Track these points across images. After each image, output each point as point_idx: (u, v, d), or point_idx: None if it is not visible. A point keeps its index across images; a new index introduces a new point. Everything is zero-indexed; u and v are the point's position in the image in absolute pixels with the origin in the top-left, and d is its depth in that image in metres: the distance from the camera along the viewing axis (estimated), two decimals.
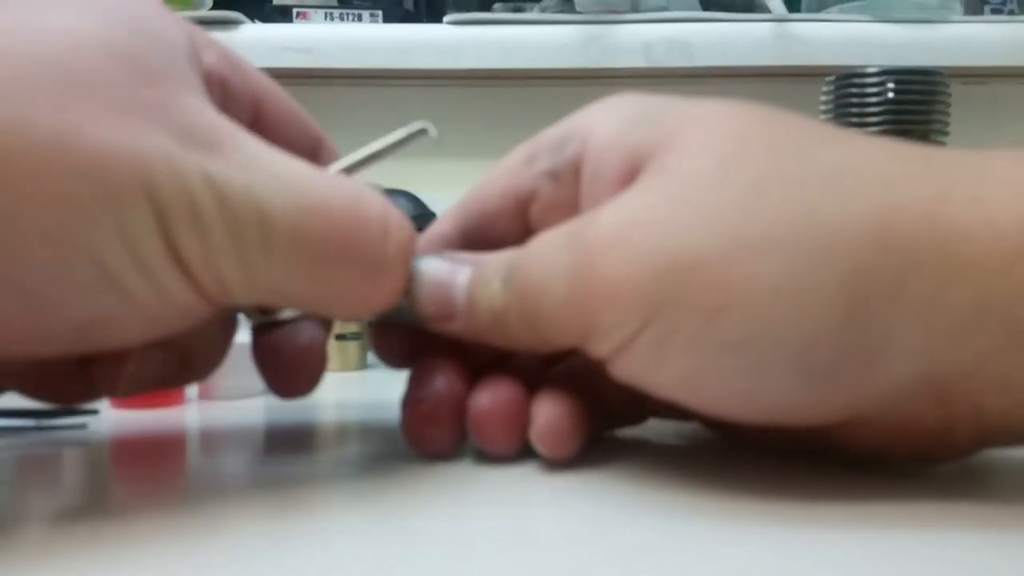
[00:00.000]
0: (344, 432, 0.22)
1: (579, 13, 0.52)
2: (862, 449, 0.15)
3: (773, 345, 0.13)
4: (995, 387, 0.14)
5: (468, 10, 0.55)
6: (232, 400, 0.27)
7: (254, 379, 0.19)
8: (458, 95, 0.57)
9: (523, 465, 0.17)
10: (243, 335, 0.19)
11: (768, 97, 0.16)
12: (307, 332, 0.18)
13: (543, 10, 0.54)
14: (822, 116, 0.33)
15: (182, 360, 0.17)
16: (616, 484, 0.16)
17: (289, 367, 0.18)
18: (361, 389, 0.31)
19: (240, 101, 0.17)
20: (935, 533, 0.13)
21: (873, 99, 0.31)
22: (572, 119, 0.18)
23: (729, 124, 0.15)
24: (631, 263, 0.14)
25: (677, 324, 0.14)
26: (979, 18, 0.55)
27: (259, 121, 0.18)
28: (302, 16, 0.56)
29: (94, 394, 0.17)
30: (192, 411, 0.26)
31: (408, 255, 0.16)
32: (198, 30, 0.16)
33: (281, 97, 0.18)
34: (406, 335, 0.19)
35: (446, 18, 0.54)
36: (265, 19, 0.56)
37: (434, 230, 0.19)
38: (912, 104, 0.31)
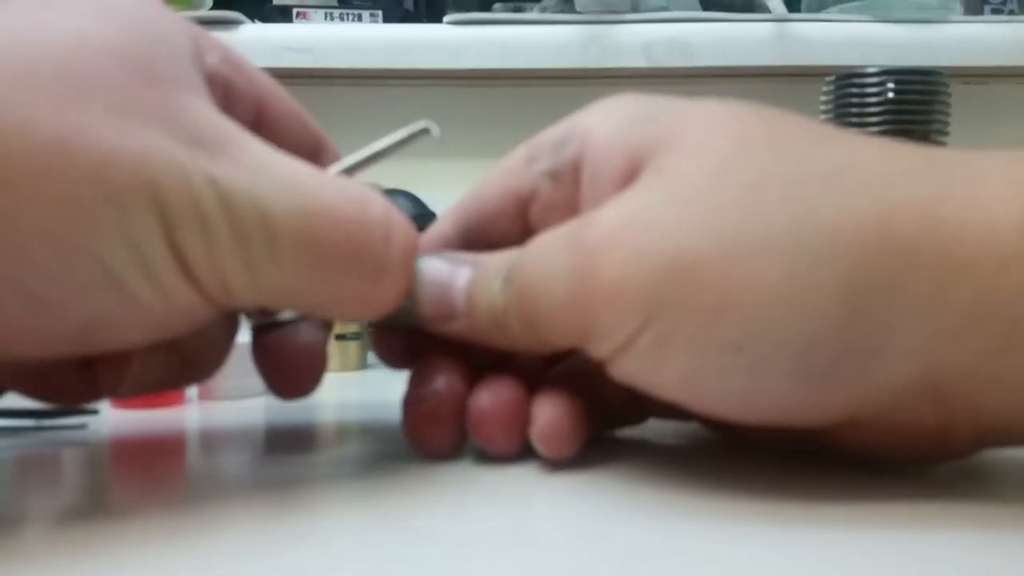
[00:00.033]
0: (344, 432, 0.22)
1: (579, 13, 0.52)
2: (861, 449, 0.15)
3: (773, 345, 0.13)
4: (994, 387, 0.14)
5: (468, 10, 0.55)
6: (232, 400, 0.27)
7: (254, 379, 0.19)
8: (458, 95, 0.57)
9: (523, 465, 0.17)
10: (243, 335, 0.19)
11: (768, 97, 0.16)
12: (308, 333, 0.18)
13: (543, 10, 0.54)
14: (822, 116, 0.33)
15: (185, 361, 0.17)
16: (616, 484, 0.16)
17: (290, 368, 0.18)
18: (361, 389, 0.31)
19: (243, 102, 0.17)
20: (934, 533, 0.13)
21: (873, 99, 0.31)
22: (572, 119, 0.18)
23: (729, 124, 0.15)
24: (631, 263, 0.14)
25: (677, 324, 0.14)
26: (979, 18, 0.55)
27: (261, 122, 0.18)
28: (302, 16, 0.56)
29: (96, 395, 0.17)
30: (192, 411, 0.26)
31: (411, 258, 0.16)
32: (201, 31, 0.16)
33: (283, 98, 0.18)
34: (406, 336, 0.19)
35: (446, 18, 0.54)
36: (265, 19, 0.56)
37: (434, 231, 0.19)
38: (912, 104, 0.31)
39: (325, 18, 0.56)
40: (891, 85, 0.30)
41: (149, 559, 0.12)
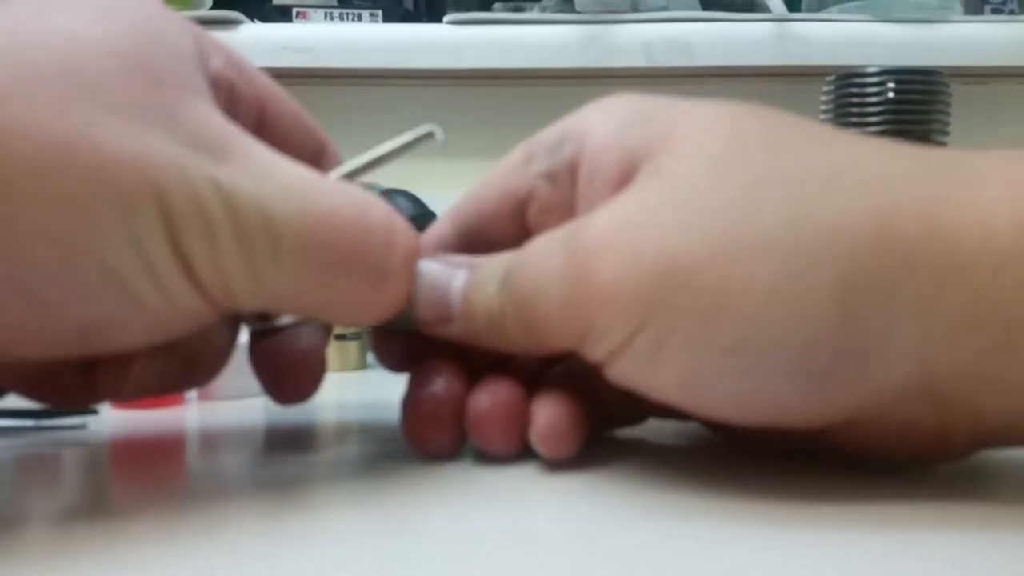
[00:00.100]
0: (344, 432, 0.22)
1: (579, 13, 0.52)
2: (860, 450, 0.15)
3: (770, 346, 0.13)
4: (992, 388, 0.14)
5: (468, 10, 0.55)
6: (231, 400, 0.27)
7: (253, 379, 0.19)
8: (458, 95, 0.57)
9: (522, 465, 0.17)
10: (244, 335, 0.19)
11: (768, 97, 0.16)
12: (307, 338, 0.18)
13: (543, 10, 0.54)
14: (822, 116, 0.33)
15: (186, 364, 0.17)
16: (615, 484, 0.16)
17: (290, 372, 0.18)
18: (361, 389, 0.31)
19: (245, 105, 0.17)
20: (934, 534, 0.13)
21: (873, 99, 0.31)
22: (569, 120, 0.18)
23: (726, 125, 0.15)
24: (626, 266, 0.14)
25: (673, 326, 0.14)
26: (979, 18, 0.55)
27: (263, 125, 0.18)
28: (302, 16, 0.56)
29: (97, 397, 0.17)
30: (192, 411, 0.26)
31: (412, 263, 0.16)
32: (205, 34, 0.16)
33: (285, 101, 0.18)
34: (405, 339, 0.19)
35: (446, 18, 0.54)
36: (265, 19, 0.56)
37: (432, 232, 0.19)
38: (912, 104, 0.31)
39: (325, 18, 0.56)
40: (891, 85, 0.30)
41: (149, 559, 0.12)
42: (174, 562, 0.12)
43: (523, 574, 0.11)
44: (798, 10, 0.55)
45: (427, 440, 0.17)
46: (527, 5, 0.55)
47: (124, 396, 0.16)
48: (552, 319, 0.15)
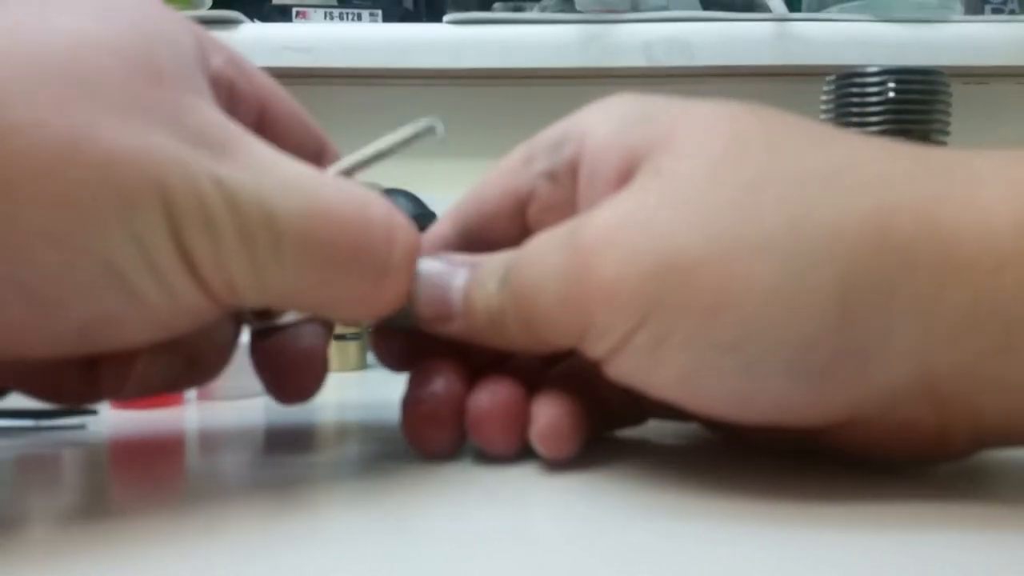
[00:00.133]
0: (344, 432, 0.22)
1: (579, 12, 0.52)
2: (860, 450, 0.15)
3: (770, 345, 0.13)
4: (992, 387, 0.14)
5: (468, 9, 0.54)
6: (231, 400, 0.27)
7: (253, 379, 0.19)
8: (458, 95, 0.57)
9: (522, 465, 0.17)
10: (244, 335, 0.19)
11: (768, 97, 0.16)
12: (309, 336, 0.18)
13: (543, 9, 0.54)
14: (823, 116, 0.33)
15: (188, 362, 0.17)
16: (615, 485, 0.16)
17: (292, 372, 0.18)
18: (361, 389, 0.31)
19: (246, 104, 0.17)
20: (934, 534, 0.13)
21: (874, 99, 0.31)
22: (570, 120, 0.18)
23: (726, 124, 0.15)
24: (626, 263, 0.14)
25: (673, 325, 0.14)
26: (980, 18, 0.55)
27: (263, 124, 0.18)
28: (301, 15, 0.56)
29: (99, 396, 0.17)
30: (191, 411, 0.26)
31: (413, 260, 0.16)
32: (205, 33, 0.16)
33: (286, 101, 0.18)
34: (405, 338, 0.19)
35: (446, 17, 0.54)
36: (264, 18, 0.56)
37: (433, 231, 0.19)
38: (913, 104, 0.31)
39: (324, 17, 0.56)
40: (892, 85, 0.30)
41: (149, 560, 0.12)
42: (174, 562, 0.12)
43: (523, 574, 0.11)
44: (798, 10, 0.55)
45: (427, 440, 0.17)
46: (527, 5, 0.55)
47: (126, 395, 0.16)
48: (552, 316, 0.15)
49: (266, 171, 0.13)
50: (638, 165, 0.15)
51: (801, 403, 0.14)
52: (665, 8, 0.53)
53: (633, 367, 0.14)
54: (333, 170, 0.18)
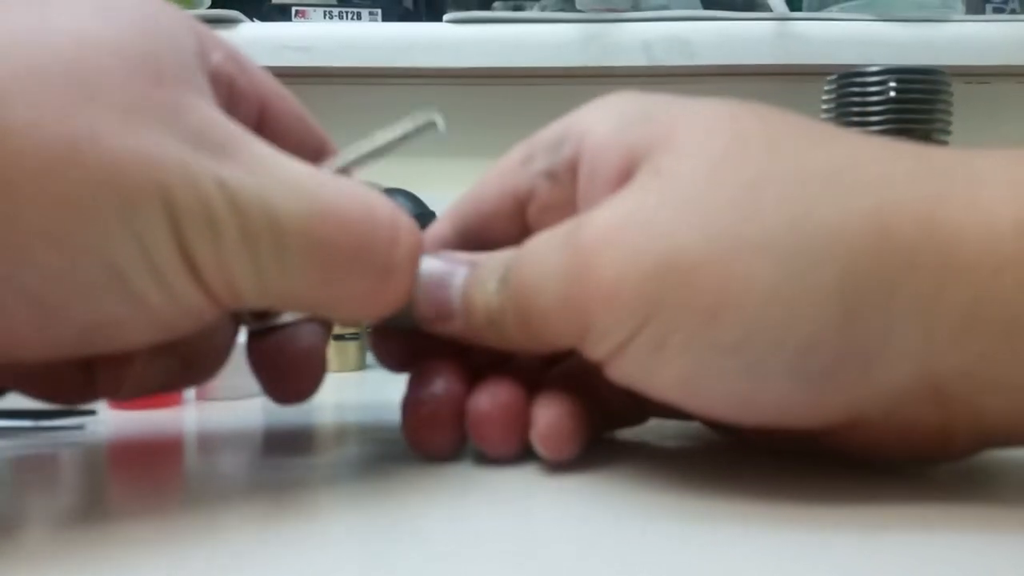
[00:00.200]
0: (343, 433, 0.22)
1: (579, 11, 0.52)
2: (862, 450, 0.15)
3: (770, 346, 0.13)
4: (993, 388, 0.14)
5: (468, 8, 0.54)
6: (230, 400, 0.27)
7: (252, 380, 0.19)
8: (458, 94, 0.57)
9: (523, 467, 0.17)
10: (242, 335, 0.19)
11: (769, 96, 0.16)
12: (307, 336, 0.18)
13: (543, 8, 0.54)
14: (824, 115, 0.33)
15: (185, 363, 0.17)
16: (616, 486, 0.16)
17: (290, 372, 0.18)
18: (360, 390, 0.31)
19: (246, 102, 0.17)
20: (937, 534, 0.13)
21: (875, 98, 0.31)
22: (569, 118, 0.17)
23: (726, 123, 0.15)
24: (626, 264, 0.14)
25: (673, 326, 0.13)
26: (981, 17, 0.55)
27: (264, 123, 0.18)
28: (301, 15, 0.56)
29: (97, 396, 0.17)
30: (190, 412, 0.26)
31: (416, 259, 0.16)
32: (205, 30, 0.16)
33: (286, 99, 0.18)
34: (405, 338, 0.18)
35: (446, 16, 0.53)
36: (264, 18, 0.56)
37: (432, 231, 0.19)
38: (914, 103, 0.30)
39: (324, 17, 0.56)
40: (893, 84, 0.30)
41: (146, 561, 0.12)
42: (172, 564, 0.11)
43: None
44: (799, 9, 0.55)
45: (427, 441, 0.17)
46: (527, 4, 0.55)
47: (124, 395, 0.16)
48: (552, 316, 0.15)
49: (268, 171, 0.13)
50: (638, 164, 0.15)
51: (802, 404, 0.14)
52: (665, 7, 0.53)
53: (634, 368, 0.14)
54: (330, 166, 0.17)
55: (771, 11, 0.52)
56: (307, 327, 0.19)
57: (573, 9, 0.52)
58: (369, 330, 0.20)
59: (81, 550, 0.12)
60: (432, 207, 0.39)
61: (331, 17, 0.56)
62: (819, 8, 0.54)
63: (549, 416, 0.16)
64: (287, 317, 0.18)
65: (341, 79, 0.56)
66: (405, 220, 0.15)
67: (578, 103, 0.18)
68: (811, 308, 0.13)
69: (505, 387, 0.17)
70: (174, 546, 0.12)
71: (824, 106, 0.33)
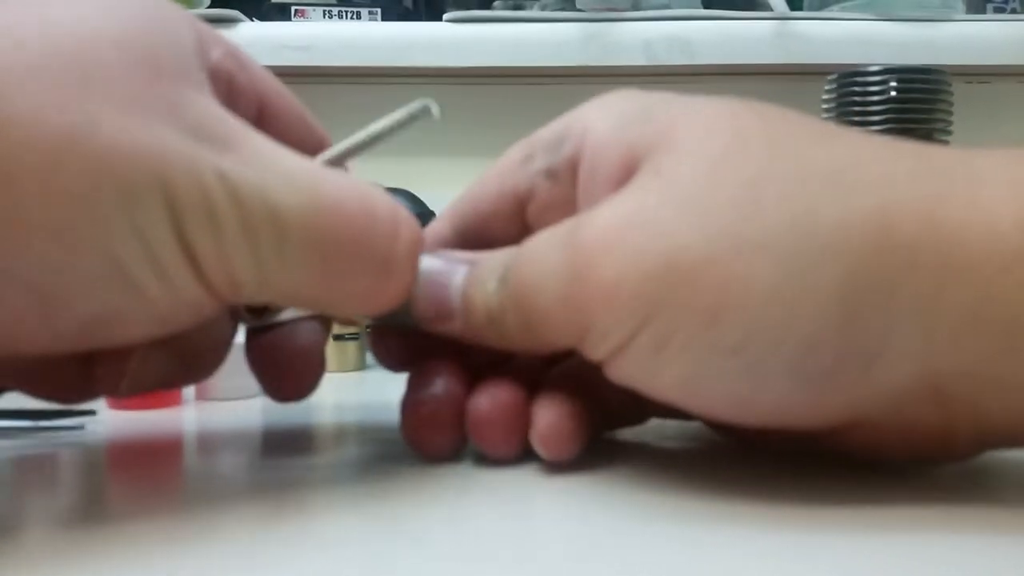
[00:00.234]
0: (342, 434, 0.22)
1: (580, 11, 0.52)
2: (863, 450, 0.15)
3: (771, 346, 0.13)
4: (995, 389, 0.13)
5: (468, 8, 0.54)
6: (229, 400, 0.27)
7: (252, 379, 0.19)
8: (458, 93, 0.57)
9: (523, 467, 0.17)
10: (241, 334, 0.19)
11: (770, 96, 0.16)
12: (305, 334, 0.18)
13: (543, 8, 0.54)
14: (824, 115, 0.33)
15: (184, 360, 0.17)
16: (617, 486, 0.15)
17: (288, 370, 0.18)
18: (359, 390, 0.31)
19: (245, 99, 0.17)
20: (939, 535, 0.13)
21: (876, 98, 0.31)
22: (568, 117, 0.17)
23: (726, 122, 0.15)
24: (627, 264, 0.14)
25: (674, 326, 0.13)
26: (982, 17, 0.54)
27: (263, 119, 0.17)
28: (300, 14, 0.56)
29: (95, 393, 0.17)
30: (189, 412, 0.26)
31: (417, 254, 0.16)
32: (205, 26, 0.16)
33: (286, 96, 0.18)
34: (404, 338, 0.18)
35: (445, 16, 0.53)
36: (263, 17, 0.56)
37: (431, 231, 0.19)
38: (915, 103, 0.30)
39: (324, 16, 0.56)
40: (893, 84, 0.30)
41: (145, 562, 0.12)
42: (171, 565, 0.11)
43: None
44: (800, 8, 0.54)
45: (427, 442, 0.17)
46: (527, 3, 0.55)
47: (122, 392, 0.16)
48: (552, 316, 0.15)
49: (268, 164, 0.13)
50: (638, 164, 0.15)
51: (802, 405, 0.14)
52: (666, 7, 0.53)
53: (634, 369, 0.14)
54: (323, 157, 0.17)
55: (772, 10, 0.52)
56: (306, 325, 0.18)
57: (573, 8, 0.52)
58: (368, 329, 0.19)
59: (80, 550, 0.12)
60: (432, 207, 0.39)
61: (330, 16, 0.56)
62: (820, 7, 0.54)
63: (549, 416, 0.16)
64: (286, 315, 0.18)
65: (341, 79, 0.56)
66: (405, 215, 0.15)
67: (578, 102, 0.18)
68: (811, 307, 0.13)
69: (505, 387, 0.17)
70: (173, 546, 0.12)
71: (825, 106, 0.33)
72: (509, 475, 0.16)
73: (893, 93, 0.30)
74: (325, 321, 0.19)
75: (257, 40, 0.52)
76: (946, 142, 0.31)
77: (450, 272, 0.16)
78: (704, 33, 0.52)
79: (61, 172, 0.11)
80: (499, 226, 0.18)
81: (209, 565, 0.11)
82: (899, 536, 0.13)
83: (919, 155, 0.14)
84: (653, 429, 0.21)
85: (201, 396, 0.27)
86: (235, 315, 0.18)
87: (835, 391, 0.14)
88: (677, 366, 0.14)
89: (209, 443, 0.21)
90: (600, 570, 0.11)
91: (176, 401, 0.26)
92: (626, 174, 0.15)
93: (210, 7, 0.53)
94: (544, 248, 0.15)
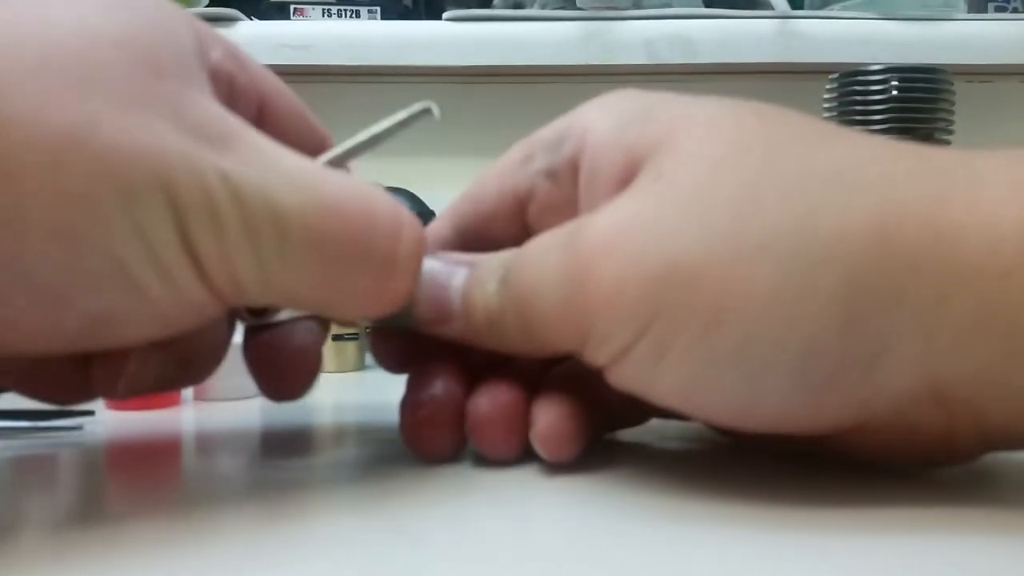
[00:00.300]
0: (342, 434, 0.22)
1: (580, 9, 0.52)
2: (865, 453, 0.15)
3: (772, 351, 0.13)
4: (997, 394, 0.13)
5: (467, 6, 0.54)
6: (228, 401, 0.27)
7: (250, 380, 0.19)
8: (458, 92, 0.57)
9: (523, 468, 0.17)
10: (239, 335, 0.19)
11: (771, 95, 0.16)
12: (302, 334, 0.18)
13: (543, 6, 0.54)
14: (826, 114, 0.33)
15: (182, 361, 0.17)
16: (617, 487, 0.15)
17: (283, 369, 0.18)
18: (359, 390, 0.31)
19: (245, 99, 0.17)
20: (940, 537, 0.13)
21: (877, 97, 0.30)
22: (569, 117, 0.17)
23: (727, 125, 0.15)
24: (627, 270, 0.14)
25: (674, 332, 0.13)
26: (983, 16, 0.54)
27: (264, 119, 0.17)
28: (299, 13, 0.56)
29: (93, 395, 0.17)
30: (188, 412, 0.25)
31: (419, 255, 0.15)
32: (205, 27, 0.16)
33: (286, 96, 0.18)
34: (404, 339, 0.18)
35: (445, 14, 0.53)
36: (262, 16, 0.55)
37: (430, 231, 0.19)
38: (916, 102, 0.30)
39: (323, 15, 0.55)
40: (895, 83, 0.30)
41: (144, 563, 0.11)
42: (170, 565, 0.11)
43: None
44: (801, 7, 0.54)
45: (426, 444, 0.17)
46: (527, 1, 0.55)
47: (119, 393, 0.16)
48: (552, 320, 0.15)
49: (270, 165, 0.13)
50: (639, 166, 0.15)
51: (804, 411, 0.14)
52: (667, 5, 0.53)
53: (634, 375, 0.14)
54: (324, 158, 0.17)
55: (773, 9, 0.52)
56: (303, 324, 0.18)
57: (574, 7, 0.52)
58: (368, 330, 0.19)
59: (79, 551, 0.12)
60: (432, 207, 0.39)
61: (330, 15, 0.55)
62: (821, 6, 0.54)
63: (549, 417, 0.16)
64: (284, 314, 0.18)
65: (340, 77, 0.56)
66: (408, 216, 0.15)
67: (579, 102, 0.17)
68: (812, 310, 0.13)
69: (505, 388, 0.17)
70: (172, 547, 0.12)
71: (826, 105, 0.33)
72: (509, 476, 0.16)
73: (895, 92, 0.30)
74: (323, 321, 0.19)
75: (256, 39, 0.52)
76: (948, 142, 0.31)
77: (450, 274, 0.16)
78: (705, 32, 0.52)
79: (62, 172, 0.11)
80: (499, 226, 0.18)
81: (208, 565, 0.11)
82: (900, 537, 0.13)
83: (919, 156, 0.14)
84: (653, 430, 0.21)
85: (200, 396, 0.27)
86: (233, 315, 0.18)
87: (836, 396, 0.13)
88: (677, 373, 0.14)
89: (208, 444, 0.21)
90: (600, 570, 0.11)
91: (175, 402, 0.26)
92: (627, 175, 0.15)
93: (208, 6, 0.53)
94: (544, 251, 0.15)
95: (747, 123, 0.15)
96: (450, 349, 0.17)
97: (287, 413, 0.24)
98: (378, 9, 0.56)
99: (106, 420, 0.23)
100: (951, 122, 0.31)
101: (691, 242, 0.13)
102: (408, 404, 0.17)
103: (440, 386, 0.17)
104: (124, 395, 0.16)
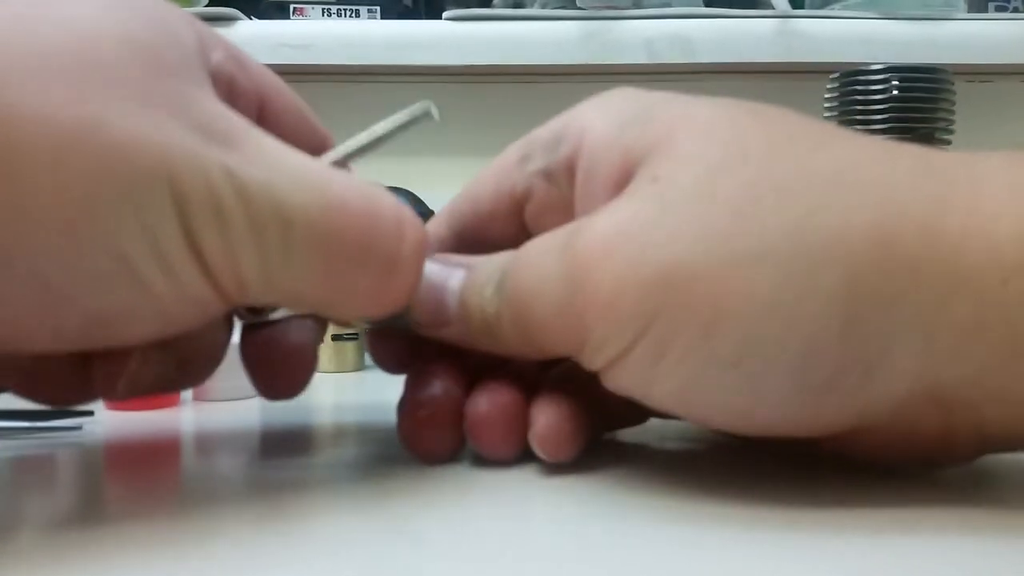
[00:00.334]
0: (341, 434, 0.22)
1: (580, 9, 0.52)
2: (865, 455, 0.15)
3: (770, 355, 0.13)
4: (996, 398, 0.13)
5: (467, 6, 0.54)
6: (227, 401, 0.27)
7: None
8: (457, 92, 0.57)
9: (522, 469, 0.17)
10: (237, 334, 0.19)
11: (771, 95, 0.16)
12: (298, 332, 0.18)
13: (543, 6, 0.54)
14: (826, 114, 0.32)
15: (181, 362, 0.17)
16: (616, 487, 0.15)
17: (279, 368, 0.18)
18: (358, 390, 0.31)
19: (246, 99, 0.17)
20: (939, 537, 0.13)
21: (878, 97, 0.30)
22: (565, 116, 0.17)
23: (725, 126, 0.15)
24: (624, 275, 0.14)
25: (672, 338, 0.13)
26: (983, 16, 0.54)
27: (264, 119, 0.17)
28: (299, 12, 0.56)
29: (92, 396, 0.17)
30: (187, 413, 0.25)
31: (422, 255, 0.15)
32: (206, 28, 0.16)
33: (287, 96, 0.18)
34: (402, 339, 0.18)
35: (445, 14, 0.53)
36: (261, 15, 0.55)
37: (428, 231, 0.19)
38: (917, 102, 0.30)
39: (322, 14, 0.55)
40: (896, 83, 0.30)
41: (144, 563, 0.11)
42: (169, 565, 0.11)
43: None
44: (801, 7, 0.54)
45: (425, 444, 0.17)
46: (527, 1, 0.55)
47: (119, 394, 0.16)
48: (549, 324, 0.15)
49: (275, 163, 0.13)
50: (636, 168, 0.15)
51: (804, 413, 0.14)
52: (667, 4, 0.53)
53: (631, 379, 0.14)
54: (327, 159, 0.17)
55: (773, 9, 0.51)
56: (300, 322, 0.18)
57: (573, 6, 0.52)
58: (367, 331, 0.19)
59: (79, 551, 0.12)
60: (432, 206, 0.39)
61: (329, 15, 0.55)
62: (821, 6, 0.54)
63: (548, 418, 0.16)
64: (280, 312, 0.18)
65: (340, 77, 0.55)
66: (411, 217, 0.15)
67: (579, 101, 0.17)
68: (811, 314, 0.13)
69: (503, 389, 0.17)
70: (171, 547, 0.12)
71: (826, 104, 0.32)
72: (507, 477, 0.16)
73: (895, 92, 0.30)
74: (321, 320, 0.19)
75: (255, 38, 0.52)
76: (948, 142, 0.31)
77: (447, 276, 0.16)
78: (705, 31, 0.52)
79: (66, 168, 0.11)
80: (496, 227, 0.18)
81: (208, 565, 0.11)
82: (900, 537, 0.13)
83: (919, 157, 0.14)
84: (653, 430, 0.20)
85: (199, 397, 0.27)
86: (231, 313, 0.18)
87: (835, 397, 0.13)
88: (675, 377, 0.14)
89: (207, 444, 0.21)
90: (599, 570, 0.11)
91: (174, 402, 0.26)
92: (624, 177, 0.15)
93: (208, 5, 0.53)
94: (542, 254, 0.15)
95: (746, 124, 0.15)
96: (449, 350, 0.17)
97: (286, 413, 0.24)
98: (378, 9, 0.56)
99: (105, 420, 0.23)
100: (951, 122, 0.31)
101: (690, 244, 0.13)
102: (407, 405, 0.17)
103: (439, 387, 0.17)
104: (124, 396, 0.16)
